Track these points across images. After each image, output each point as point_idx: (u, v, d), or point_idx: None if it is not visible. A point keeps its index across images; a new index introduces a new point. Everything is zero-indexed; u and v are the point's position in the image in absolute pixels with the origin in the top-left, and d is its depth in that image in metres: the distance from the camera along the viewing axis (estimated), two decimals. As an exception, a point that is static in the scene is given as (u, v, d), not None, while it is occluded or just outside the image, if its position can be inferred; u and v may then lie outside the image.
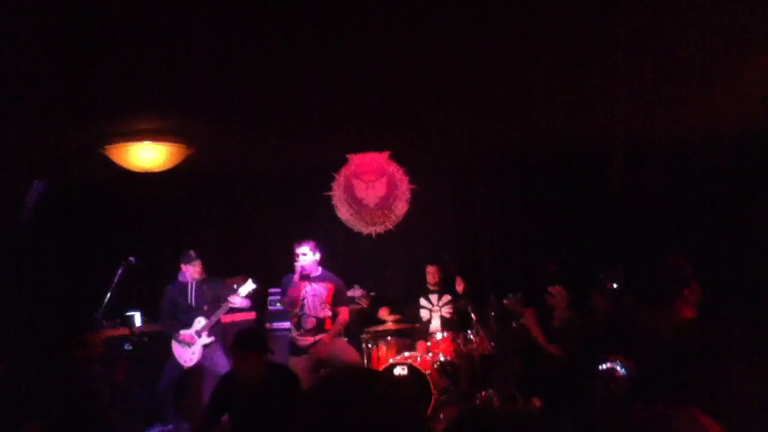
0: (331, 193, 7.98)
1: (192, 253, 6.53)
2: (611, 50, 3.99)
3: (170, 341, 6.50)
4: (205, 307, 6.45)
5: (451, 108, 5.40)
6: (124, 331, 6.88)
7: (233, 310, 6.63)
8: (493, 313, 6.76)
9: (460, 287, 6.71)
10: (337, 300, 5.92)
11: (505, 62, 4.14)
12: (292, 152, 6.97)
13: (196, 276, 6.51)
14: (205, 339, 6.39)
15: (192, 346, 6.36)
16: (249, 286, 6.41)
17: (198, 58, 3.88)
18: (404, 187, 7.87)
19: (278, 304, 7.14)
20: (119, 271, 6.45)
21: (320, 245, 5.97)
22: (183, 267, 6.54)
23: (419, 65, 4.15)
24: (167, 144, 5.23)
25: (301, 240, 5.90)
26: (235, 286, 6.51)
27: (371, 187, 7.95)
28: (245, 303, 6.48)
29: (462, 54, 3.98)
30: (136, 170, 5.25)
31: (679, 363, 3.07)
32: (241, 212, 7.92)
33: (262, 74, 4.23)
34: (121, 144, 5.13)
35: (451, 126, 6.07)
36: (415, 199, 7.77)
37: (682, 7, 3.37)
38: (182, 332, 6.37)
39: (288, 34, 3.51)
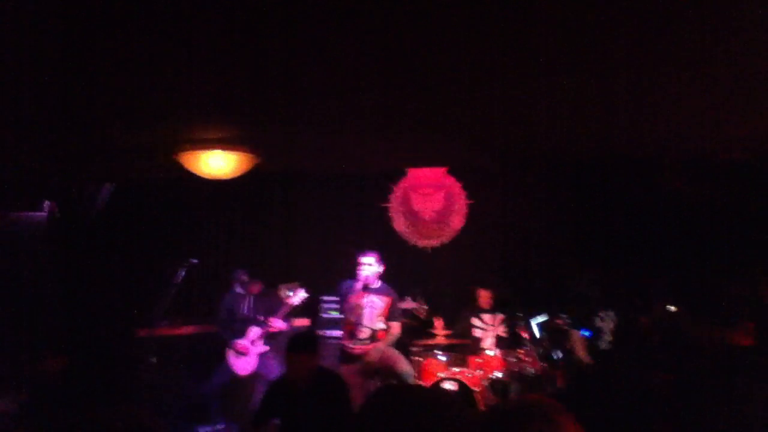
0: (388, 204, 8.09)
1: (245, 277, 6.73)
2: (671, 59, 3.95)
3: (223, 347, 6.67)
4: (260, 318, 6.61)
5: (510, 121, 5.42)
6: (183, 329, 7.08)
7: (288, 318, 6.79)
8: (545, 333, 6.74)
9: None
10: (391, 314, 6.00)
11: (563, 73, 4.12)
12: (351, 162, 7.07)
13: (252, 292, 6.71)
14: (260, 348, 6.53)
15: (247, 355, 6.51)
16: (300, 295, 6.54)
17: (268, 67, 3.99)
18: (461, 201, 7.93)
19: (331, 312, 7.24)
20: (181, 272, 6.65)
21: (381, 258, 6.05)
22: (237, 285, 6.73)
23: (481, 79, 4.17)
24: (237, 153, 5.39)
25: (366, 250, 6.00)
26: (289, 292, 6.65)
27: (428, 200, 8.04)
28: (283, 326, 6.61)
29: (520, 67, 3.98)
30: (205, 177, 5.42)
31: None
32: (297, 219, 8.05)
33: (327, 84, 4.32)
34: (192, 151, 5.32)
35: (509, 140, 6.08)
36: (472, 214, 7.82)
37: (743, 18, 3.33)
38: (239, 342, 6.53)
39: (352, 46, 3.59)
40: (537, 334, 6.50)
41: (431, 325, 7.04)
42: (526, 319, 6.64)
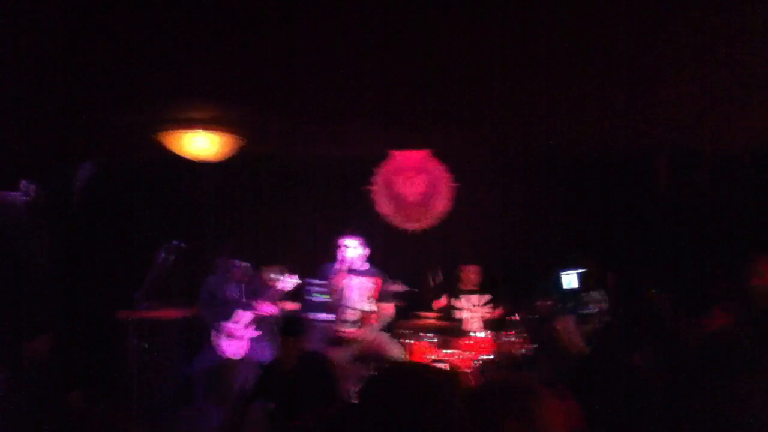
0: (371, 187, 8.00)
1: (243, 264, 6.60)
2: (666, 55, 3.95)
3: (208, 329, 6.55)
4: (244, 300, 6.50)
5: (497, 106, 5.38)
6: (166, 313, 6.95)
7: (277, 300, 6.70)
8: (534, 314, 6.74)
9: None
10: (382, 295, 5.97)
11: (553, 61, 4.12)
12: (335, 145, 6.99)
13: (244, 279, 6.59)
14: (253, 332, 6.44)
15: (239, 339, 6.40)
16: (293, 280, 6.44)
17: (253, 49, 3.92)
18: (445, 184, 7.86)
19: (316, 295, 7.16)
20: (161, 254, 6.51)
21: (367, 240, 6.00)
22: (220, 267, 6.61)
23: (465, 62, 4.13)
24: (220, 134, 5.27)
25: (347, 233, 5.93)
26: (273, 276, 6.54)
27: (411, 183, 7.96)
28: (273, 310, 6.52)
29: (508, 52, 3.96)
30: (189, 158, 5.30)
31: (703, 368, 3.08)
32: (282, 202, 7.95)
33: (313, 67, 4.25)
34: (174, 131, 5.19)
35: (496, 124, 6.05)
36: (457, 198, 7.76)
37: (738, 17, 3.33)
38: (228, 325, 6.42)
39: (337, 28, 3.54)
40: (576, 285, 6.44)
41: (438, 295, 6.98)
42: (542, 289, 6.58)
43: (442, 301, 6.94)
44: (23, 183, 5.62)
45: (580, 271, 6.59)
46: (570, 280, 6.60)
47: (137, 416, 6.15)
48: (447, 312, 7.01)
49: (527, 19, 3.39)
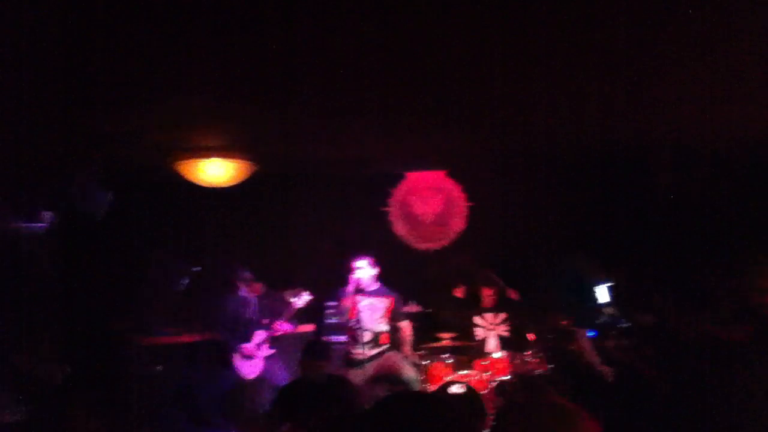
0: (387, 208, 8.06)
1: (246, 275, 6.69)
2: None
3: (227, 352, 6.62)
4: (265, 321, 6.57)
5: (509, 122, 5.40)
6: (187, 337, 7.04)
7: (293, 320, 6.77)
8: (550, 334, 6.72)
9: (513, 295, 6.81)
10: (395, 314, 5.99)
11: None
12: (351, 167, 7.05)
13: (254, 294, 6.65)
14: (266, 351, 6.49)
15: (254, 358, 6.46)
16: (304, 297, 6.53)
17: (265, 74, 3.99)
18: (461, 203, 7.90)
19: (333, 318, 7.22)
20: (184, 281, 6.63)
21: (376, 261, 6.03)
22: (239, 284, 6.69)
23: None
24: (234, 160, 5.37)
25: (358, 255, 5.99)
26: (292, 299, 6.62)
27: (428, 204, 8.01)
28: (289, 328, 6.58)
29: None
30: (204, 185, 5.41)
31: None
32: (299, 226, 8.02)
33: (327, 86, 4.32)
34: (191, 160, 5.30)
35: (509, 142, 6.07)
36: (472, 216, 7.79)
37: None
38: (245, 346, 6.48)
39: (352, 43, 3.59)
40: (608, 299, 6.41)
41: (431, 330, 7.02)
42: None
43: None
44: (46, 214, 5.78)
45: (610, 284, 6.55)
46: (602, 294, 6.57)
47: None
48: (467, 331, 7.01)
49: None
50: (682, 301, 5.31)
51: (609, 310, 6.35)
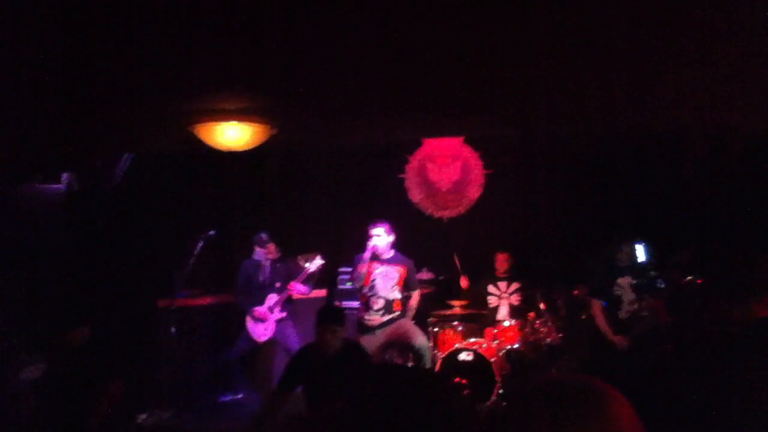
0: (404, 175, 8.06)
1: (264, 236, 6.75)
2: (697, 33, 3.88)
3: (243, 314, 6.73)
4: (278, 284, 6.65)
5: (528, 92, 5.36)
6: (203, 300, 7.15)
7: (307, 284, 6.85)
8: (561, 302, 6.75)
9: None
10: (408, 283, 6.02)
11: (581, 47, 4.07)
12: (368, 134, 7.03)
13: (270, 257, 6.72)
14: (278, 314, 6.59)
15: (265, 321, 6.56)
16: (317, 262, 6.59)
17: (283, 39, 3.97)
18: (478, 171, 7.89)
19: (348, 284, 7.28)
20: (200, 244, 6.71)
21: (393, 227, 6.04)
22: (256, 248, 6.76)
23: (492, 48, 4.11)
24: (252, 124, 5.36)
25: (375, 221, 6.00)
26: (306, 263, 6.69)
27: (445, 171, 8.00)
28: (304, 290, 6.65)
29: (540, 38, 3.93)
30: (221, 149, 5.41)
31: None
32: (314, 191, 8.06)
33: (344, 57, 4.29)
34: (208, 123, 5.30)
35: (527, 111, 6.02)
36: (489, 184, 7.77)
37: None
38: (257, 308, 6.58)
39: (366, 18, 3.57)
40: (643, 258, 6.40)
41: (455, 284, 7.06)
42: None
43: (464, 283, 7.02)
44: (65, 175, 5.84)
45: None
46: (640, 252, 6.55)
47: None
48: (480, 299, 7.07)
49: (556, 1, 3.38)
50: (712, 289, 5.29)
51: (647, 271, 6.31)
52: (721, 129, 6.56)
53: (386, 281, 5.91)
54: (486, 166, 7.87)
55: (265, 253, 6.73)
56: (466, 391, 5.82)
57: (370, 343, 5.72)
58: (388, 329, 5.88)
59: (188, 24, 3.70)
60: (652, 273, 6.24)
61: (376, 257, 5.91)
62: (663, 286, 5.98)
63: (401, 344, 6.00)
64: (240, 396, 7.03)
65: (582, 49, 4.14)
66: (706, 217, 6.56)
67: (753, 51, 4.19)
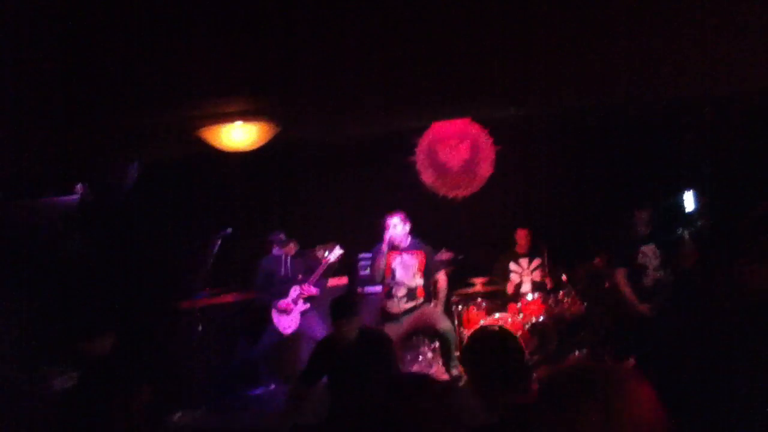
0: (413, 158, 8.04)
1: (282, 236, 6.81)
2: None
3: (266, 310, 6.78)
4: (299, 277, 6.70)
5: (532, 66, 5.31)
6: (226, 298, 7.22)
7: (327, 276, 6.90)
8: (582, 274, 6.73)
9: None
10: (428, 268, 6.01)
11: (585, 19, 4.03)
12: (374, 122, 7.00)
13: (290, 253, 6.79)
14: (302, 306, 6.64)
15: (290, 313, 6.62)
16: (336, 252, 6.63)
17: (284, 35, 3.96)
18: (488, 149, 7.84)
19: (368, 269, 7.31)
20: (217, 242, 6.76)
21: (408, 214, 6.03)
22: (275, 247, 6.82)
23: (498, 25, 4.07)
24: (257, 123, 5.38)
25: (392, 211, 5.99)
26: (326, 252, 6.73)
27: (455, 151, 7.96)
28: (313, 291, 6.69)
29: (541, 12, 3.89)
30: (228, 150, 5.44)
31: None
32: (328, 181, 8.06)
33: (344, 45, 4.28)
34: (213, 126, 5.32)
35: (533, 85, 5.96)
36: (500, 161, 7.73)
37: None
38: (281, 301, 6.64)
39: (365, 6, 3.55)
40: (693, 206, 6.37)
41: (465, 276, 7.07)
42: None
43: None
44: (78, 186, 5.90)
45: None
46: (689, 201, 6.51)
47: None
48: (503, 276, 7.07)
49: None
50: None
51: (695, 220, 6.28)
52: (723, 97, 6.48)
53: (406, 269, 5.91)
54: (496, 143, 7.82)
55: (284, 252, 6.81)
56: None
57: (395, 330, 5.73)
58: (412, 316, 5.90)
59: (186, 29, 3.71)
60: (700, 223, 6.21)
61: (394, 247, 5.91)
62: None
63: (426, 330, 6.02)
64: (272, 387, 7.11)
65: (583, 18, 4.09)
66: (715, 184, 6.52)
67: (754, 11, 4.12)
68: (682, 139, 6.87)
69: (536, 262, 6.97)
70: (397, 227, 5.88)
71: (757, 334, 2.98)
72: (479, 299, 6.84)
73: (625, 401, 1.30)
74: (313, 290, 6.67)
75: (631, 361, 5.54)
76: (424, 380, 1.57)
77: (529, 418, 1.41)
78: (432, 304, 6.04)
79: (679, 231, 6.07)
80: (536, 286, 6.86)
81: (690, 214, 6.57)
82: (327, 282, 7.07)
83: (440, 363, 6.34)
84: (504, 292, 6.96)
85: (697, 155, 6.74)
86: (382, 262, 5.88)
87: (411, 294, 5.89)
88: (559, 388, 1.38)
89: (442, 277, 6.11)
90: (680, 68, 5.35)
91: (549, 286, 6.75)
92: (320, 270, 6.65)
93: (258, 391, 7.12)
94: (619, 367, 1.38)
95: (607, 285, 6.44)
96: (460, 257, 7.36)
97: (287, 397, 4.78)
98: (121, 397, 3.43)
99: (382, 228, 5.94)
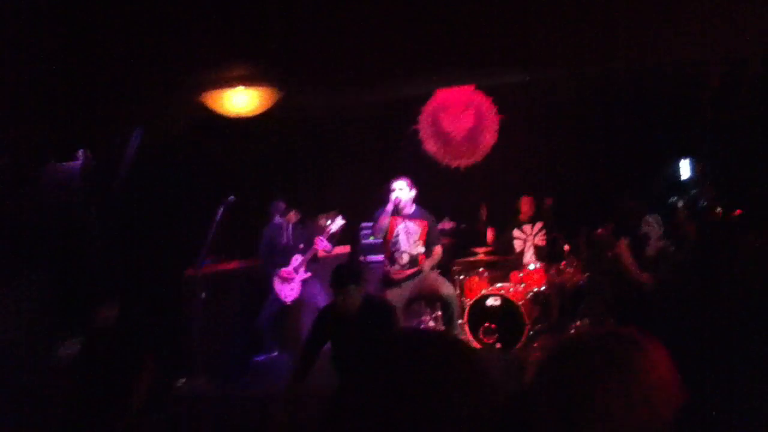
0: (417, 126, 7.99)
1: (281, 204, 6.80)
2: None
3: (269, 278, 6.80)
4: (301, 246, 6.71)
5: (534, 31, 5.25)
6: (228, 265, 7.22)
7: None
8: (583, 243, 6.73)
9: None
10: (430, 237, 5.99)
11: None
12: (377, 90, 6.95)
13: (290, 222, 6.79)
14: (303, 275, 6.65)
15: (292, 281, 6.64)
16: (338, 222, 6.62)
17: (284, 3, 3.93)
18: (492, 117, 7.79)
19: (370, 238, 7.31)
20: (220, 210, 6.74)
21: (414, 182, 5.99)
22: (276, 215, 6.81)
23: None
24: (259, 89, 5.35)
25: (396, 176, 5.95)
26: (328, 221, 6.72)
27: (458, 120, 7.92)
28: (327, 246, 6.68)
29: None
30: (231, 115, 5.41)
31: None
32: (330, 150, 8.03)
33: (346, 13, 4.24)
34: (216, 90, 5.30)
35: (537, 53, 5.90)
36: (503, 129, 7.68)
37: None
38: (283, 269, 6.65)
39: None
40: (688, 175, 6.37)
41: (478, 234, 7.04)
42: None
43: (489, 235, 7.02)
44: (80, 152, 5.87)
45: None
46: (685, 169, 6.50)
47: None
48: (507, 246, 7.06)
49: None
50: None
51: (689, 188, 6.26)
52: (731, 63, 6.40)
53: (409, 237, 5.89)
54: (499, 111, 7.76)
55: (284, 221, 6.80)
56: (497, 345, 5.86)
57: (397, 296, 5.74)
58: (414, 282, 5.90)
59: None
60: (694, 191, 6.18)
61: (398, 211, 5.88)
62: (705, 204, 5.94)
63: (428, 296, 6.03)
64: (275, 354, 7.15)
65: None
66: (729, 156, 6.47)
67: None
68: (688, 105, 6.80)
69: (538, 225, 6.97)
70: (403, 191, 5.83)
71: (756, 306, 2.98)
72: (481, 269, 6.85)
73: (643, 365, 1.26)
74: (327, 245, 6.65)
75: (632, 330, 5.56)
76: (451, 339, 1.41)
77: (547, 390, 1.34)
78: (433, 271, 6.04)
79: (674, 199, 6.05)
80: (539, 252, 6.86)
81: (685, 182, 6.54)
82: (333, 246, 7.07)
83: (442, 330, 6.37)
84: (507, 261, 6.97)
85: (701, 122, 6.69)
86: (385, 222, 5.83)
87: (413, 261, 5.89)
88: (575, 357, 1.32)
89: (437, 250, 6.09)
90: (684, 31, 5.28)
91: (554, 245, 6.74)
92: (324, 237, 6.65)
93: (261, 358, 7.16)
94: (632, 331, 1.29)
95: (609, 254, 6.43)
96: (462, 226, 7.35)
97: (291, 364, 4.78)
98: (127, 364, 3.46)
99: (386, 192, 5.90)
